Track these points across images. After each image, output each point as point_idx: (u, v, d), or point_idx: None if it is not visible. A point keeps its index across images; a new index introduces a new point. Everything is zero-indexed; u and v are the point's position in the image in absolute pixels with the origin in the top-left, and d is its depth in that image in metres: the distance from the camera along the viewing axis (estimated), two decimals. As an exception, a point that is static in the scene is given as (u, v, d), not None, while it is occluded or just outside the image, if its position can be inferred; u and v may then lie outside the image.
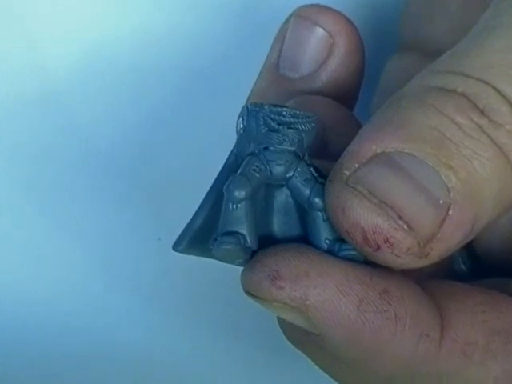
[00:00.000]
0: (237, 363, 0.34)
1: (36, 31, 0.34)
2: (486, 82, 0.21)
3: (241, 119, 0.22)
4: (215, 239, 0.21)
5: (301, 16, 0.27)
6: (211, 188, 0.22)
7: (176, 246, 0.22)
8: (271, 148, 0.22)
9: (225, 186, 0.21)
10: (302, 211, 0.22)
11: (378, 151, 0.21)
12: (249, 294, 0.21)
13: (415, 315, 0.21)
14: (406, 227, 0.21)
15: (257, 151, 0.22)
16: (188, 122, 0.35)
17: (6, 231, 0.36)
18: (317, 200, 0.21)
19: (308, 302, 0.21)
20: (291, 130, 0.22)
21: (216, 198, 0.22)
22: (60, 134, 0.35)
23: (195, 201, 0.35)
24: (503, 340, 0.23)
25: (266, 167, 0.22)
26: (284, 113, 0.22)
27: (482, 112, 0.21)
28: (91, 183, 0.35)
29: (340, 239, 0.22)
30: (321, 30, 0.26)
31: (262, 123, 0.22)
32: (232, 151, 0.22)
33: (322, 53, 0.27)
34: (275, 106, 0.22)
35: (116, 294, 0.36)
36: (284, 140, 0.22)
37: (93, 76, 0.35)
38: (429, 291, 0.23)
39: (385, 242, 0.21)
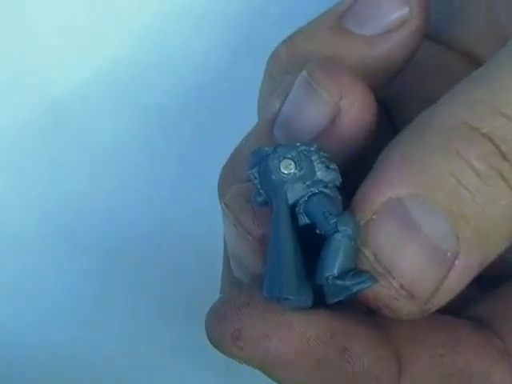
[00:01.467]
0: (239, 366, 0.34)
1: (42, 44, 0.34)
2: None
3: (289, 161, 0.22)
4: (354, 275, 0.21)
5: (307, 80, 0.24)
6: (279, 231, 0.21)
7: (288, 295, 0.21)
8: (330, 185, 0.22)
9: (339, 225, 0.21)
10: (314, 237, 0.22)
11: (393, 197, 0.21)
12: (212, 344, 0.22)
13: (373, 369, 0.22)
14: (407, 295, 0.21)
15: (320, 189, 0.22)
16: (190, 131, 0.35)
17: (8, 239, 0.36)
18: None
19: (267, 363, 0.21)
20: (334, 165, 0.22)
21: (294, 238, 0.21)
22: (66, 146, 0.35)
23: (195, 207, 0.36)
24: (459, 382, 0.23)
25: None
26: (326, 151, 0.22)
27: (504, 156, 0.21)
28: (92, 188, 0.35)
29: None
30: (326, 97, 0.23)
31: (318, 162, 0.22)
32: (282, 192, 0.22)
33: (323, 124, 0.24)
34: (294, 145, 0.22)
35: (116, 299, 0.36)
36: (337, 177, 0.22)
37: (97, 90, 0.35)
38: (391, 335, 0.23)
39: (385, 307, 0.21)
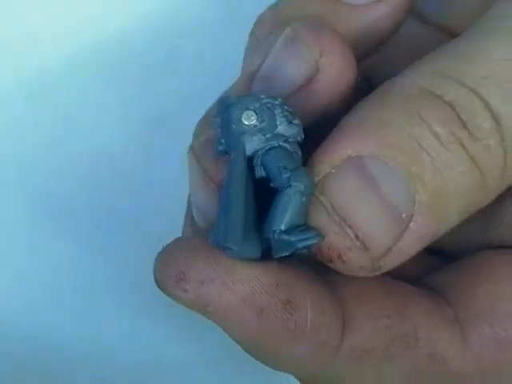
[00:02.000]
0: (240, 362, 0.34)
1: (36, 25, 0.34)
2: (476, 94, 0.21)
3: (251, 112, 0.22)
4: (301, 232, 0.21)
5: (290, 36, 0.24)
6: (232, 180, 0.21)
7: (231, 245, 0.21)
8: (291, 140, 0.22)
9: (292, 179, 0.21)
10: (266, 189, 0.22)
11: (353, 154, 0.21)
12: (157, 284, 0.22)
13: (316, 325, 0.22)
14: (361, 247, 0.21)
15: (280, 143, 0.22)
16: (188, 121, 0.34)
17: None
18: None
19: (209, 309, 0.21)
20: (297, 120, 0.22)
21: (247, 192, 0.22)
22: (58, 128, 0.35)
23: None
24: (403, 345, 0.23)
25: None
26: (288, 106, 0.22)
27: (464, 124, 0.21)
28: (90, 182, 0.35)
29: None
30: (306, 54, 0.23)
31: (281, 116, 0.22)
32: (241, 143, 0.22)
33: (300, 80, 0.23)
34: (259, 97, 0.22)
35: (116, 294, 0.35)
36: (299, 132, 0.22)
37: (93, 71, 0.34)
38: (338, 292, 0.23)
39: (338, 258, 0.21)
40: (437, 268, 0.25)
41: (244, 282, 0.21)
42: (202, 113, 0.31)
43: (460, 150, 0.21)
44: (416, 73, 0.22)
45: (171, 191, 0.34)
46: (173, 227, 0.34)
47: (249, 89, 0.24)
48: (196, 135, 0.25)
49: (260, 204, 0.22)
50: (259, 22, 0.27)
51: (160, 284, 0.21)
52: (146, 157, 0.36)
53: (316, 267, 0.23)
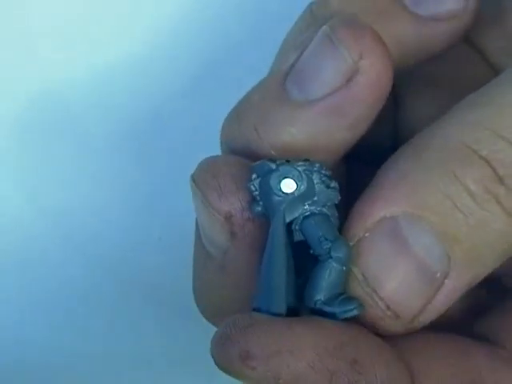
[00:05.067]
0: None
1: (39, 40, 0.35)
2: None
3: (290, 181, 0.22)
4: (342, 302, 0.21)
5: (328, 34, 0.23)
6: (273, 249, 0.22)
7: (277, 311, 0.21)
8: (329, 204, 0.22)
9: (333, 251, 0.21)
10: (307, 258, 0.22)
11: (387, 215, 0.21)
12: (220, 368, 0.21)
13: (385, 380, 0.21)
14: (393, 316, 0.21)
15: (319, 209, 0.22)
16: (190, 124, 0.35)
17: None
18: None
19: (281, 381, 0.21)
20: (334, 183, 0.22)
21: (288, 259, 0.22)
22: (60, 136, 0.35)
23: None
24: None
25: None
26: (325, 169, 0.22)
27: (500, 180, 0.21)
28: (92, 182, 0.35)
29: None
30: (346, 55, 0.22)
31: (318, 182, 0.22)
32: (281, 212, 0.22)
33: (339, 81, 0.22)
34: (298, 161, 0.22)
35: (116, 294, 0.36)
36: (337, 196, 0.22)
37: (96, 80, 0.35)
38: (399, 347, 0.23)
39: (371, 326, 0.22)
40: (482, 309, 0.25)
41: (309, 349, 0.21)
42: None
43: (495, 206, 0.21)
44: (453, 125, 0.22)
45: (171, 192, 0.35)
46: (173, 227, 0.35)
47: (281, 88, 0.23)
48: (227, 135, 0.25)
49: (297, 263, 0.22)
50: (302, 15, 0.26)
51: (223, 366, 0.21)
52: (147, 157, 0.36)
53: None
